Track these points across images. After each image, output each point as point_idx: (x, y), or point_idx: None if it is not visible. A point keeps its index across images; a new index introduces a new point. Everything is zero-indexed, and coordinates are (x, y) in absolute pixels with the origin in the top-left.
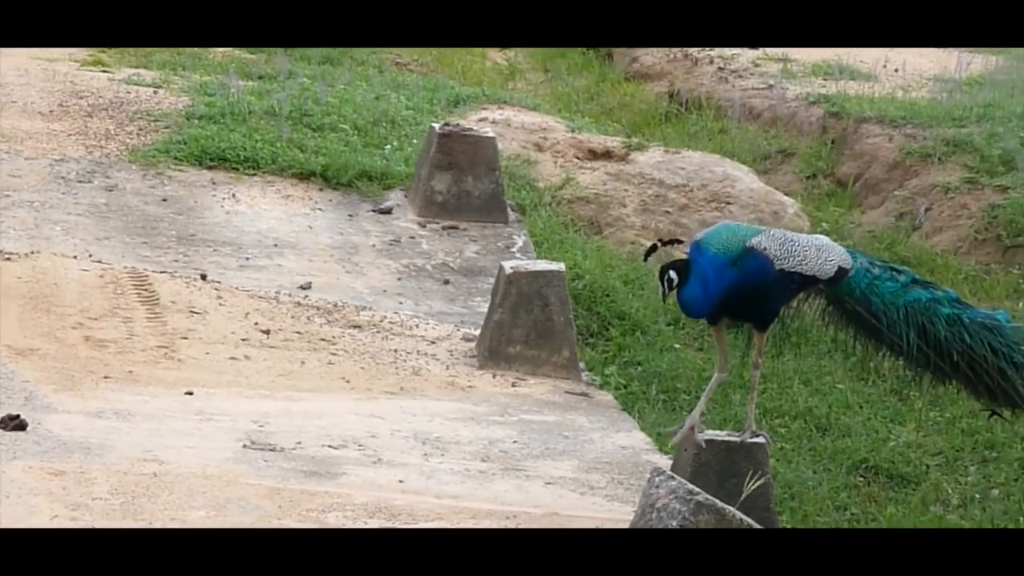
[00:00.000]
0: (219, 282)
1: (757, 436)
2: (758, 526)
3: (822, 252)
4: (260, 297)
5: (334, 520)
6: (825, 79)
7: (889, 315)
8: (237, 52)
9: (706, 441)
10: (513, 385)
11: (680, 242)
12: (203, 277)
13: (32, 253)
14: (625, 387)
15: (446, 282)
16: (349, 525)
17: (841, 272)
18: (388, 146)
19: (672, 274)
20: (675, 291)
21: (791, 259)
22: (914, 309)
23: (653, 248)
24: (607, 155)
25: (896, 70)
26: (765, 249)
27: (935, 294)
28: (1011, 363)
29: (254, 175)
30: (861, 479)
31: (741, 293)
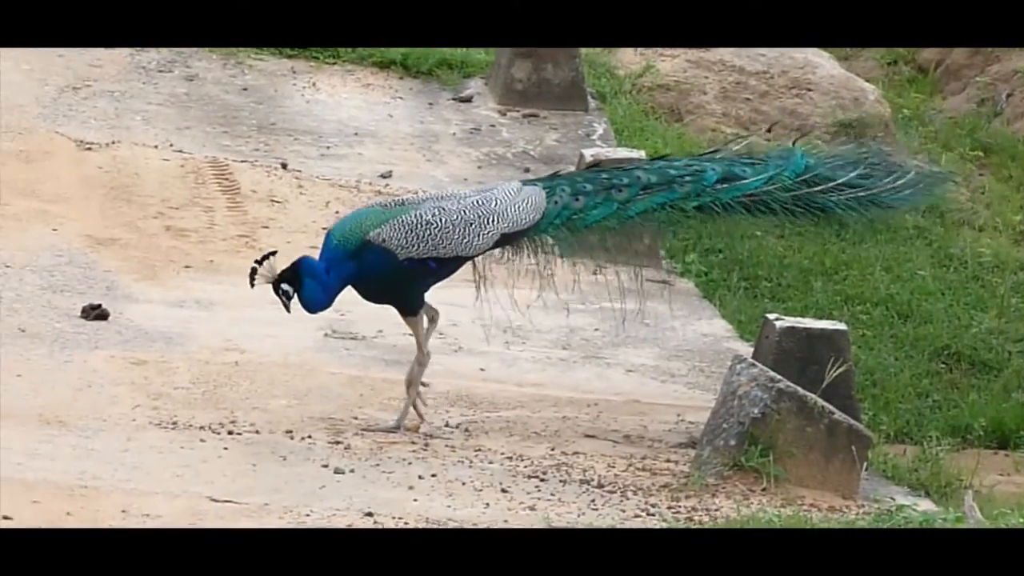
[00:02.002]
0: (300, 171)
1: (399, 430)
2: (839, 413)
3: (473, 227)
4: (341, 186)
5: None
6: None
7: (607, 238)
8: None
9: (788, 328)
10: (593, 273)
11: (274, 254)
12: (284, 166)
13: (113, 143)
14: (706, 274)
15: (526, 170)
16: (430, 414)
17: (509, 237)
18: None
19: (285, 287)
20: (295, 298)
21: (420, 246)
22: (647, 217)
23: (253, 271)
24: None
25: None
26: (384, 241)
27: (678, 191)
28: (803, 207)
29: (334, 64)
30: (943, 366)
31: (366, 284)
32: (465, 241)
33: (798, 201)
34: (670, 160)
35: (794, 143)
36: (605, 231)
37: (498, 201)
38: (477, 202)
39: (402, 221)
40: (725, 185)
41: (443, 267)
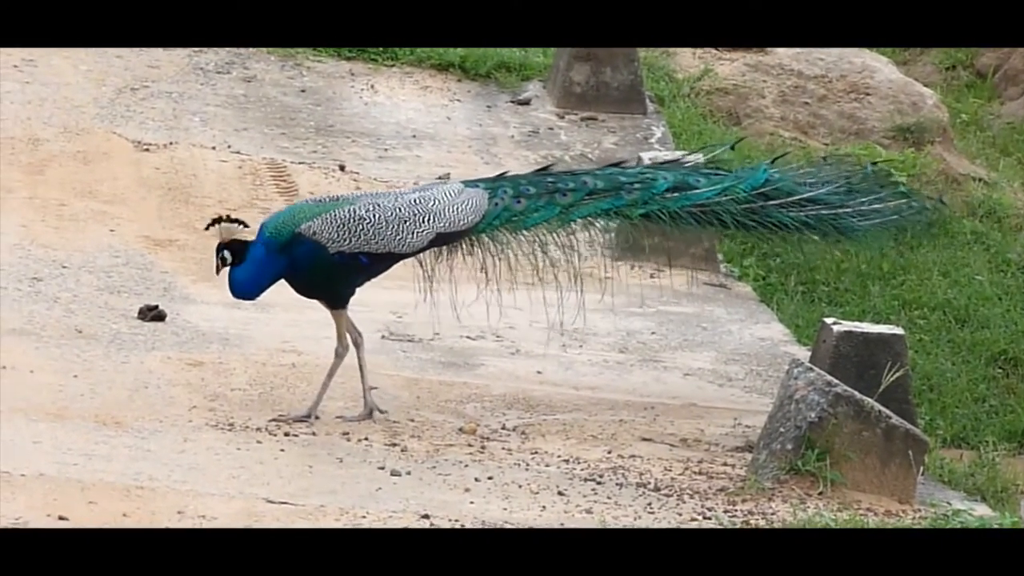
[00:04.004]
0: (357, 173)
1: (309, 418)
2: (896, 418)
3: (408, 225)
4: (398, 188)
5: (472, 411)
6: None
7: (544, 241)
8: None
9: (845, 333)
10: (651, 276)
11: (244, 224)
12: (341, 168)
13: (171, 144)
14: (763, 278)
15: None
16: (487, 416)
17: (446, 237)
18: None
19: (226, 253)
20: (229, 269)
21: (351, 240)
22: (591, 223)
23: (216, 220)
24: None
25: None
26: (315, 234)
27: (625, 198)
28: (745, 219)
29: (392, 66)
30: (1000, 371)
31: (297, 277)
32: (399, 238)
33: (752, 215)
34: (624, 167)
35: (774, 161)
36: (548, 233)
37: (436, 201)
38: (414, 200)
39: (335, 215)
40: (675, 194)
41: (375, 263)
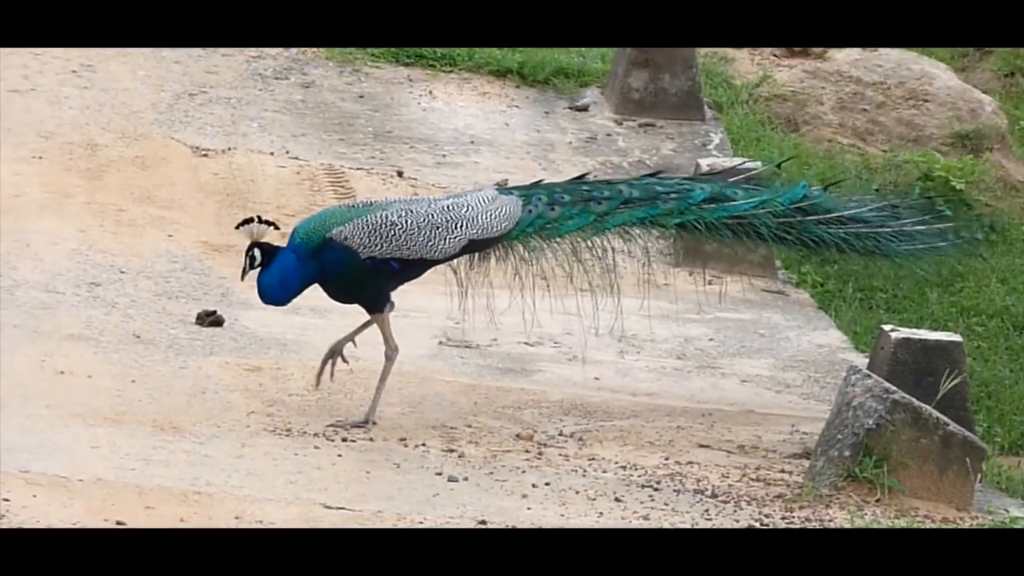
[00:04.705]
0: (415, 179)
1: (367, 424)
2: (954, 425)
3: (440, 231)
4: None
5: (529, 417)
6: None
7: (578, 249)
8: None
9: (903, 339)
10: (709, 283)
11: (276, 227)
12: (399, 174)
13: (229, 149)
14: (821, 285)
15: None
16: (544, 422)
17: (478, 244)
18: None
19: (256, 253)
20: (257, 271)
21: (383, 246)
22: (625, 231)
23: (248, 220)
24: (804, 53)
25: None
26: (346, 239)
27: (660, 207)
28: (784, 235)
29: (451, 72)
30: None
31: (329, 283)
32: (431, 244)
33: (790, 229)
34: (662, 177)
35: (827, 188)
36: (582, 241)
37: (470, 207)
38: (447, 207)
39: (366, 220)
40: (712, 205)
41: (407, 269)
